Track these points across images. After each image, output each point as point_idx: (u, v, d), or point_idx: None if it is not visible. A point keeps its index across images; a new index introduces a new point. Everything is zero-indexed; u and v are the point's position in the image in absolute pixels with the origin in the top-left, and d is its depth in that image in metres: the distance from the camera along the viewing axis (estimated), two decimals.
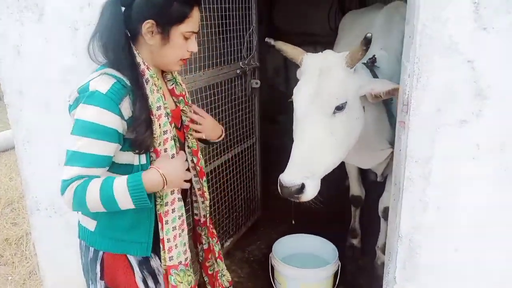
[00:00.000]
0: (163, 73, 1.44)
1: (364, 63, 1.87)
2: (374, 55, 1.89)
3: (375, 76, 1.87)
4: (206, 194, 1.54)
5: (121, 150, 1.27)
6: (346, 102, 1.62)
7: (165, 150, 1.29)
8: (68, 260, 2.11)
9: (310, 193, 1.57)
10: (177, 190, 1.36)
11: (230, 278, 1.65)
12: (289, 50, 1.77)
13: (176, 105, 1.44)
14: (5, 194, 4.13)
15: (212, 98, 2.35)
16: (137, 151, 1.26)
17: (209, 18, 2.29)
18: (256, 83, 2.73)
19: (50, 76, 1.84)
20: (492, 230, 1.45)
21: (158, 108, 1.27)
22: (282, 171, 1.60)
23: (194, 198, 1.57)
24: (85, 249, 1.43)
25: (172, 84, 1.45)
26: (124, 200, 1.20)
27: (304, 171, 1.56)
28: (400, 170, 1.50)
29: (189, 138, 1.47)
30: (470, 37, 1.30)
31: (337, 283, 2.39)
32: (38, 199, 2.12)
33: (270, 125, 5.56)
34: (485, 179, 1.42)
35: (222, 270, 1.63)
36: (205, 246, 1.61)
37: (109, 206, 1.20)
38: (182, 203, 1.38)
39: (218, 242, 1.64)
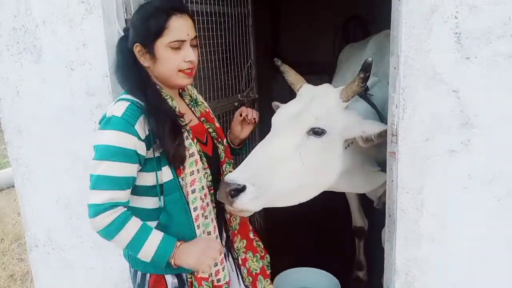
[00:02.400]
0: (180, 92, 1.49)
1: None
2: (366, 85, 1.87)
3: (372, 105, 1.85)
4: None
5: (144, 171, 1.30)
6: (325, 131, 1.48)
7: (184, 168, 1.31)
8: None
9: (246, 201, 1.33)
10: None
11: None
12: (292, 75, 1.74)
13: (199, 120, 1.48)
14: (12, 229, 4.16)
15: None
16: (175, 164, 1.30)
17: (209, 53, 2.34)
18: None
19: (47, 116, 1.89)
20: (489, 262, 1.40)
21: None
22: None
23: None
24: (133, 274, 1.44)
25: (192, 106, 1.49)
26: (145, 255, 1.26)
27: (254, 177, 1.36)
28: (393, 201, 1.48)
29: (227, 173, 1.48)
30: (454, 67, 1.30)
31: None
32: (37, 236, 2.13)
33: None
34: (479, 210, 1.38)
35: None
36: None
37: (130, 249, 1.27)
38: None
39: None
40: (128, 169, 1.25)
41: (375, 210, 2.67)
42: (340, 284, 2.36)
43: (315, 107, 1.53)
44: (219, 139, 1.50)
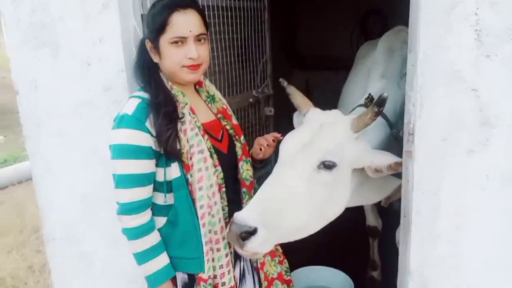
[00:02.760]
0: (196, 88, 1.50)
1: (361, 105, 1.76)
2: (370, 94, 1.78)
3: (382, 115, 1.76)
4: None
5: (157, 166, 1.32)
6: (336, 164, 1.40)
7: (192, 165, 1.31)
8: None
9: (257, 245, 1.27)
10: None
11: None
12: (298, 98, 1.63)
13: (216, 117, 1.48)
14: (31, 221, 4.24)
15: None
16: (171, 158, 1.30)
17: (224, 48, 2.33)
18: (270, 111, 2.74)
19: (65, 110, 1.91)
20: (505, 264, 1.37)
21: (183, 123, 1.30)
22: None
23: None
24: None
25: (209, 103, 1.49)
26: (144, 269, 1.33)
27: (264, 217, 1.29)
28: (408, 202, 1.45)
29: (244, 171, 1.49)
30: (473, 64, 1.27)
31: None
32: (54, 229, 2.16)
33: None
34: (497, 211, 1.35)
35: None
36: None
37: (137, 256, 1.33)
38: None
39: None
40: (147, 166, 1.28)
41: (389, 210, 2.64)
42: (354, 284, 2.34)
43: (325, 139, 1.44)
44: (236, 136, 1.50)
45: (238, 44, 2.51)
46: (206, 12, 2.08)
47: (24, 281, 3.32)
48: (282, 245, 1.65)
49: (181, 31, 1.28)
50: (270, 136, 1.55)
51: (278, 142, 1.56)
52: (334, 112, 1.58)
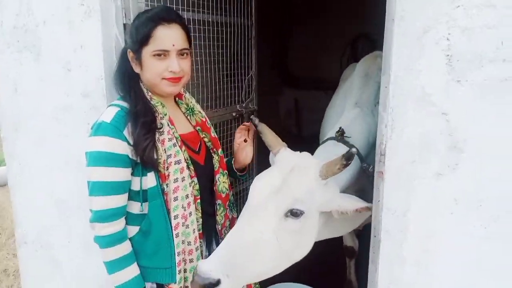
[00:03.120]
0: (176, 100, 1.51)
1: (332, 138, 1.80)
2: (340, 127, 1.80)
3: (351, 146, 1.74)
4: None
5: (133, 175, 1.31)
6: (303, 212, 1.41)
7: (169, 175, 1.31)
8: None
9: None
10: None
11: None
12: (270, 137, 1.62)
13: (194, 129, 1.49)
14: (11, 224, 4.19)
15: None
16: (147, 168, 1.29)
17: (211, 62, 2.35)
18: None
19: (44, 114, 1.90)
20: None
21: (161, 133, 1.31)
22: None
23: None
24: None
25: (188, 115, 1.50)
26: (114, 279, 1.32)
27: (228, 267, 1.29)
28: (378, 223, 1.45)
29: (220, 183, 1.49)
30: (444, 89, 1.28)
31: None
32: (26, 232, 2.14)
33: None
34: (465, 236, 1.35)
35: None
36: None
37: (108, 265, 1.31)
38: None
39: None
40: (122, 174, 1.27)
41: (366, 230, 2.62)
42: None
43: (294, 186, 1.44)
44: (214, 149, 1.51)
45: (225, 59, 2.52)
46: (194, 26, 2.10)
47: None
48: None
49: (164, 44, 1.30)
50: (241, 128, 1.62)
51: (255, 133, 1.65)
52: (304, 155, 1.57)
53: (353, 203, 1.49)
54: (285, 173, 1.46)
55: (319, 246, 1.58)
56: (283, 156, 1.54)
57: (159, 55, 1.30)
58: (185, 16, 2.06)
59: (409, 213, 1.39)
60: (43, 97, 1.90)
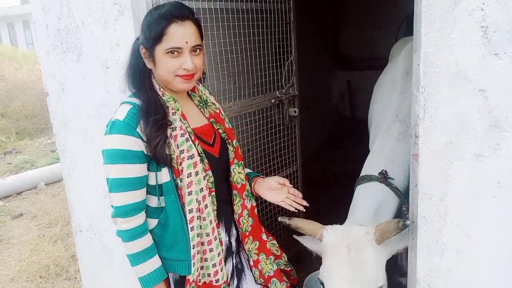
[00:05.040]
0: (189, 93, 1.51)
1: (375, 178, 1.77)
2: (383, 170, 1.76)
3: (392, 188, 1.73)
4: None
5: (149, 170, 1.34)
6: (385, 284, 1.51)
7: (182, 170, 1.33)
8: (105, 279, 2.24)
9: None
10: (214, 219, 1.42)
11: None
12: (307, 226, 1.58)
13: (208, 121, 1.49)
14: None
15: (247, 127, 2.38)
16: (160, 164, 1.32)
17: (250, 49, 2.35)
18: (295, 112, 2.72)
19: (88, 110, 2.01)
20: None
21: (173, 129, 1.33)
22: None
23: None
24: None
25: (201, 107, 1.51)
26: (138, 271, 1.36)
27: None
28: (415, 207, 1.39)
29: (235, 174, 1.49)
30: (480, 63, 1.19)
31: None
32: (81, 221, 2.29)
33: (334, 151, 5.44)
34: (509, 221, 1.26)
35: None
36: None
37: (131, 258, 1.35)
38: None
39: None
40: (139, 169, 1.30)
41: None
42: None
43: (365, 270, 1.48)
44: (229, 140, 1.50)
45: (264, 46, 2.51)
46: (231, 15, 2.10)
47: (66, 269, 3.52)
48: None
49: (177, 42, 1.30)
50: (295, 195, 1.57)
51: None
52: (349, 229, 1.56)
53: (404, 241, 1.53)
54: (346, 259, 1.48)
55: None
56: (330, 241, 1.53)
57: (172, 52, 1.30)
58: (222, 6, 2.07)
59: (447, 198, 1.31)
60: (87, 95, 2.00)
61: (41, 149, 7.46)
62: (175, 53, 1.30)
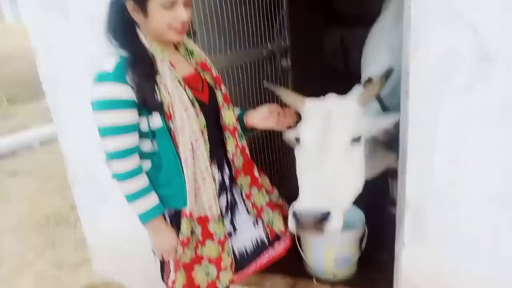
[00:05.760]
0: (175, 44, 1.51)
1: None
2: (369, 77, 1.76)
3: (381, 103, 1.73)
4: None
5: (140, 115, 1.36)
6: (360, 137, 1.51)
7: (174, 114, 1.36)
8: (105, 225, 2.37)
9: (337, 222, 1.34)
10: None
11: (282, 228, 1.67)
12: (290, 95, 1.65)
13: (196, 70, 1.52)
14: None
15: (239, 80, 2.37)
16: (152, 109, 1.34)
17: (239, 2, 2.30)
18: (287, 63, 2.71)
19: (77, 67, 2.01)
20: (507, 196, 1.38)
21: (163, 77, 1.35)
22: None
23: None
24: None
25: (187, 57, 1.52)
26: (136, 207, 1.41)
27: (326, 198, 1.36)
28: (405, 138, 1.45)
29: (226, 117, 1.53)
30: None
31: (363, 247, 2.28)
32: (77, 172, 2.33)
33: None
34: (497, 147, 1.34)
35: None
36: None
37: (129, 197, 1.39)
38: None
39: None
40: (130, 115, 1.32)
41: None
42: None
43: (344, 122, 1.50)
44: (217, 86, 1.53)
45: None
46: None
47: (66, 218, 3.57)
48: None
49: None
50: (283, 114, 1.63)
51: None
52: (331, 97, 1.61)
53: (391, 119, 1.56)
54: (326, 117, 1.50)
55: None
56: (312, 106, 1.57)
57: (167, 5, 1.31)
58: None
59: (437, 128, 1.38)
60: (75, 52, 2.00)
61: (34, 114, 7.36)
62: (169, 5, 1.31)
